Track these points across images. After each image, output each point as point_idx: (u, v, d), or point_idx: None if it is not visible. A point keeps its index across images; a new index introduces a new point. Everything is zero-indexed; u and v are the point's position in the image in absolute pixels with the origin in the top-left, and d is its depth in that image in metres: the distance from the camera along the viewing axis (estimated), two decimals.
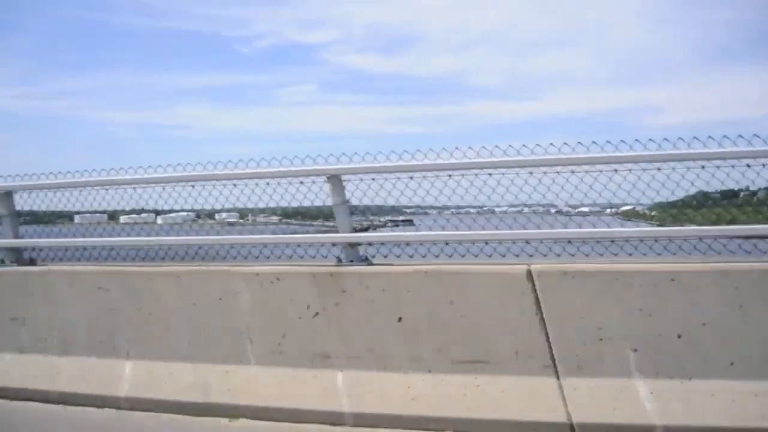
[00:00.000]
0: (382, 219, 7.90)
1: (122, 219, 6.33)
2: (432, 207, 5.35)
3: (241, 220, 6.98)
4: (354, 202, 4.83)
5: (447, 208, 5.23)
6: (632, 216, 5.06)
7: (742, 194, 4.62)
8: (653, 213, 5.08)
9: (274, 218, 7.17)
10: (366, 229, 7.78)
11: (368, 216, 7.64)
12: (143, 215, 6.19)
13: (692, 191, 4.19)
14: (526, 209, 4.83)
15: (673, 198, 4.29)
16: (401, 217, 7.86)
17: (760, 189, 4.30)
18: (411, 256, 4.59)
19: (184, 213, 6.03)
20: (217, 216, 6.49)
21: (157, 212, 6.17)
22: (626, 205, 4.68)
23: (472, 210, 4.95)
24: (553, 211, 4.99)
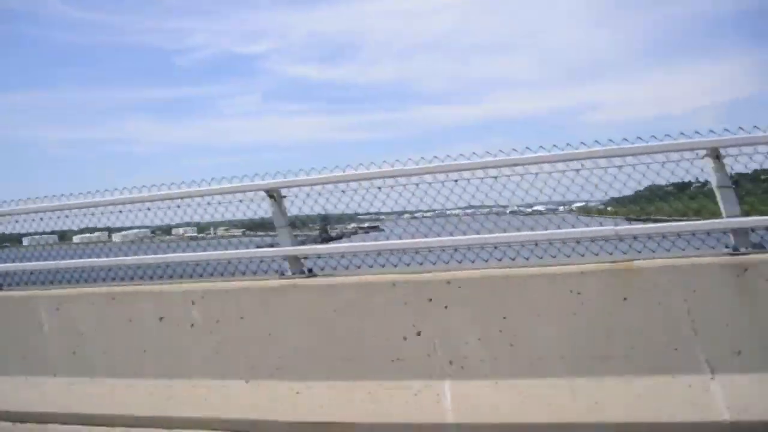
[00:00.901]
0: (349, 226, 7.88)
1: (75, 239, 6.18)
2: (398, 212, 5.37)
3: (200, 234, 6.87)
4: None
5: (407, 212, 5.24)
6: (587, 212, 5.06)
7: (693, 186, 4.66)
8: (608, 208, 5.09)
9: (236, 231, 7.08)
10: (340, 237, 7.77)
11: (332, 225, 7.67)
12: (96, 234, 6.04)
13: (644, 184, 4.20)
14: (478, 212, 4.77)
15: (626, 192, 4.32)
16: (367, 224, 7.87)
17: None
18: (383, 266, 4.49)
19: (138, 230, 5.90)
20: (174, 231, 6.37)
21: (110, 230, 6.02)
22: (579, 202, 4.64)
23: (427, 215, 4.97)
24: (508, 212, 4.93)
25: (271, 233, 7.21)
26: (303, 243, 7.06)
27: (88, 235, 6.07)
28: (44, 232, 5.61)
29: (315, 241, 7.30)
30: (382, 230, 7.07)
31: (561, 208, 4.76)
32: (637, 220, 5.18)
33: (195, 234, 6.64)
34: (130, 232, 5.87)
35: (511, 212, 4.99)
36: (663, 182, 4.14)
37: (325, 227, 7.70)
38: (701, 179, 4.26)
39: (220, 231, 7.02)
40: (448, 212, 4.77)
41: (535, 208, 5.04)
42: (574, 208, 5.03)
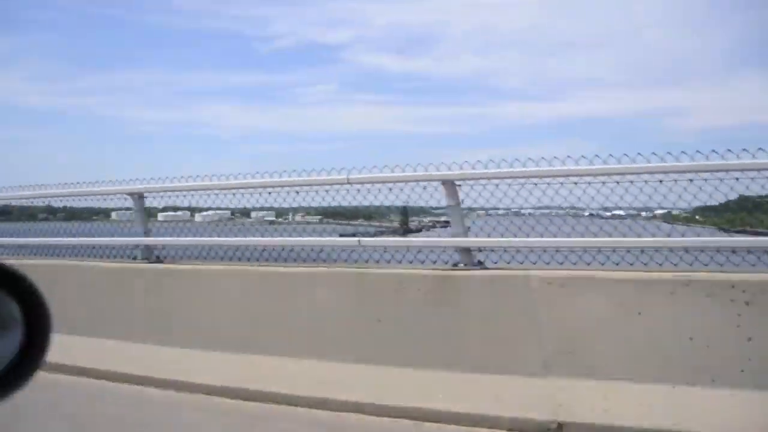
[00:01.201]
0: (425, 220, 7.85)
1: (160, 216, 6.46)
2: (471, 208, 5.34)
3: (279, 219, 7.00)
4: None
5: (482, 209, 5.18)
6: (672, 220, 4.85)
7: None
8: (696, 216, 4.84)
9: (314, 218, 7.18)
10: (419, 230, 7.76)
11: (409, 217, 7.67)
12: (179, 213, 6.29)
13: (731, 196, 3.98)
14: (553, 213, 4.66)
15: (711, 202, 4.14)
16: (443, 218, 7.80)
17: None
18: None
19: (220, 211, 6.09)
20: (253, 215, 6.52)
21: (192, 210, 6.26)
22: (660, 209, 4.42)
23: (500, 213, 4.90)
24: (586, 214, 4.78)
25: (346, 222, 7.37)
26: (383, 233, 7.14)
27: (171, 213, 6.33)
28: (128, 208, 5.89)
29: (396, 233, 7.34)
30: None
31: (643, 214, 4.53)
32: (730, 230, 4.96)
33: (273, 218, 6.76)
34: (208, 213, 6.09)
35: (590, 215, 4.86)
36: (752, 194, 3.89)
37: (406, 220, 7.70)
38: None
39: (298, 217, 7.15)
40: (522, 211, 4.64)
41: (615, 212, 4.82)
42: (656, 215, 4.78)
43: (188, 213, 6.40)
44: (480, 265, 4.35)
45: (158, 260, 5.46)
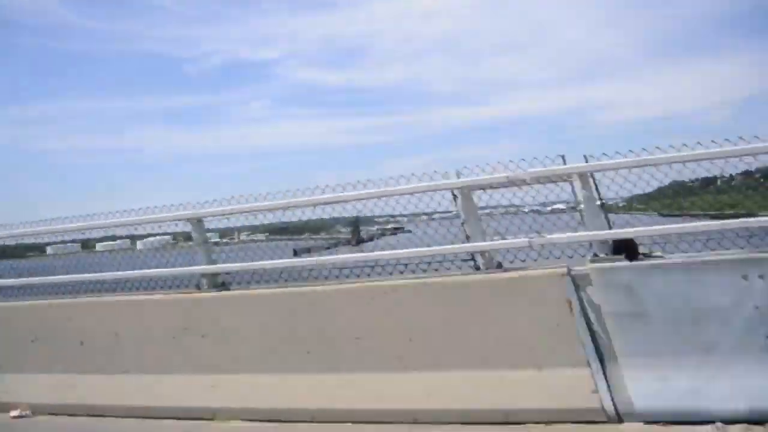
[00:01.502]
0: (371, 229, 7.81)
1: (98, 246, 6.24)
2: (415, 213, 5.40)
3: (224, 239, 6.86)
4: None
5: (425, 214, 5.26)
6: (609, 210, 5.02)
7: (719, 180, 4.59)
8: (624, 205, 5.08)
9: (260, 235, 7.06)
10: (371, 239, 7.73)
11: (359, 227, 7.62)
12: (118, 242, 6.10)
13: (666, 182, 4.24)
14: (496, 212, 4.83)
15: (648, 189, 4.39)
16: (391, 226, 7.78)
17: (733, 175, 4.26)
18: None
19: (160, 237, 5.93)
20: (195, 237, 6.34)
21: (133, 238, 6.06)
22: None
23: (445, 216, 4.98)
24: (526, 211, 4.97)
25: (295, 237, 7.27)
26: (336, 245, 7.10)
27: (110, 243, 6.13)
28: (65, 241, 5.68)
29: (349, 244, 7.30)
30: (409, 231, 6.96)
31: (582, 206, 4.59)
32: (671, 215, 5.11)
33: (218, 239, 6.61)
34: (150, 239, 5.91)
35: (531, 211, 4.95)
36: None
37: (357, 229, 7.66)
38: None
39: (243, 236, 7.03)
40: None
41: (555, 206, 4.95)
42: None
43: (128, 241, 6.20)
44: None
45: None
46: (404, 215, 5.63)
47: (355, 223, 7.37)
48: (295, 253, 5.82)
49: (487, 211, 4.89)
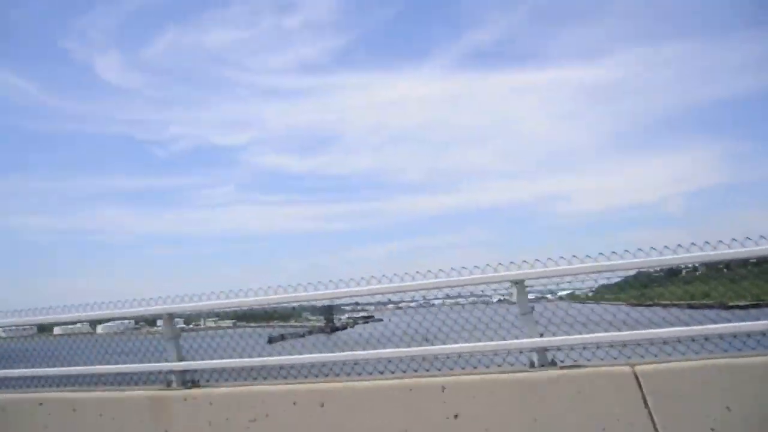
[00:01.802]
0: (342, 317, 7.72)
1: (56, 330, 6.02)
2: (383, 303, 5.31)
3: (189, 325, 6.70)
4: None
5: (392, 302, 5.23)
6: (576, 299, 5.01)
7: (684, 271, 4.69)
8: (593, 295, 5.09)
9: (228, 321, 6.92)
10: (345, 327, 7.61)
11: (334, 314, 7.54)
12: (78, 325, 5.88)
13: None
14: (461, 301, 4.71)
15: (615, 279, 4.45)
16: (362, 314, 7.70)
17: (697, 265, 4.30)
18: None
19: (120, 322, 5.75)
20: (159, 322, 6.17)
21: (92, 322, 5.87)
22: (564, 290, 4.53)
23: (411, 305, 4.91)
24: (494, 300, 4.90)
25: (263, 324, 7.13)
26: (310, 333, 6.97)
27: (70, 326, 5.91)
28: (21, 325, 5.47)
29: (323, 332, 7.17)
30: (380, 320, 6.89)
31: (549, 296, 4.69)
32: (642, 305, 5.16)
33: (183, 325, 6.42)
34: (110, 324, 5.73)
35: (498, 301, 4.90)
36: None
37: (331, 318, 7.55)
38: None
39: (210, 322, 6.88)
40: (432, 302, 4.77)
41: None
42: (563, 296, 4.89)
43: (87, 325, 5.99)
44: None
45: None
46: (371, 303, 5.55)
47: (329, 310, 7.30)
48: (270, 341, 5.62)
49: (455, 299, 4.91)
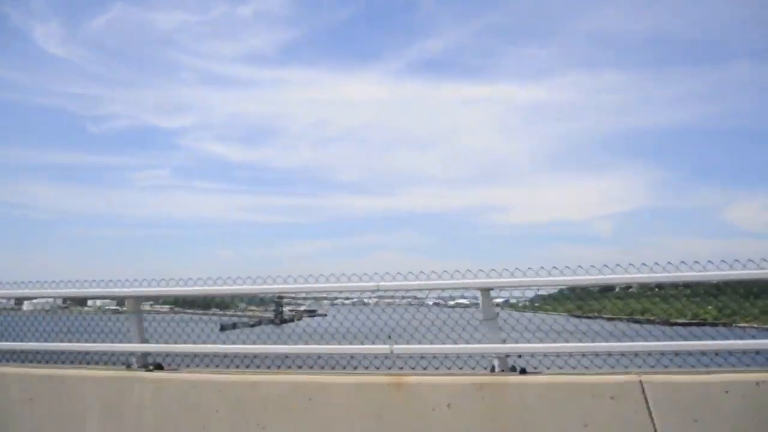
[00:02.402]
0: (286, 309, 7.66)
1: None
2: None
3: (121, 307, 6.41)
4: None
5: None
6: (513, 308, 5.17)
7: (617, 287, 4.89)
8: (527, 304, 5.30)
9: (165, 307, 6.70)
10: (292, 320, 7.54)
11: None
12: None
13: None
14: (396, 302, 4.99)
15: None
16: (303, 308, 7.69)
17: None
18: None
19: (50, 299, 5.43)
20: (90, 302, 5.90)
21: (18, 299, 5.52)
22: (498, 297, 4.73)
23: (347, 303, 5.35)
24: (430, 303, 5.15)
25: (199, 311, 6.94)
26: (260, 323, 6.90)
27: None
28: None
29: (273, 322, 7.11)
30: (324, 314, 6.96)
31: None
32: (585, 317, 5.29)
33: (116, 306, 6.15)
34: (40, 301, 5.40)
35: (434, 304, 5.11)
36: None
37: (281, 310, 7.47)
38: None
39: (146, 306, 6.59)
40: (365, 300, 4.95)
41: (459, 301, 5.10)
42: (499, 304, 5.11)
43: (12, 301, 5.63)
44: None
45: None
46: (328, 299, 5.56)
47: (279, 302, 7.25)
48: (222, 329, 5.56)
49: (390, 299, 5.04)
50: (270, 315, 7.24)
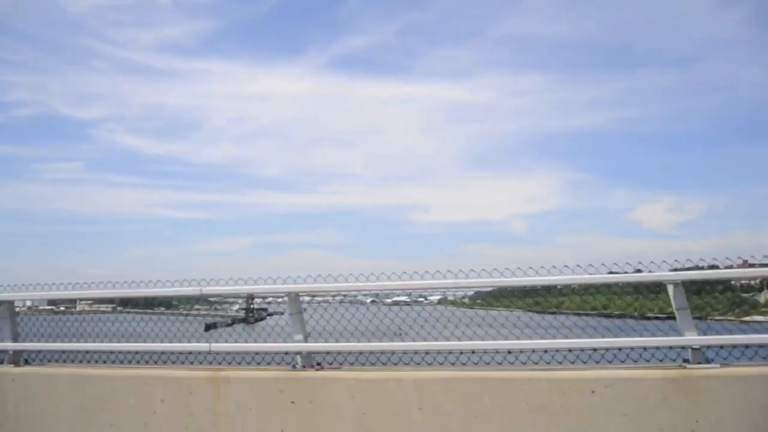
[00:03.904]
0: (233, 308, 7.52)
1: None
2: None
3: (61, 307, 6.12)
4: None
5: None
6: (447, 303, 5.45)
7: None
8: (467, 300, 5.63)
9: (104, 306, 6.42)
10: (262, 319, 7.38)
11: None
12: None
13: None
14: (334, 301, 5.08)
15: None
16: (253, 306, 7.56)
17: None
18: None
19: None
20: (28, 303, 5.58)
21: None
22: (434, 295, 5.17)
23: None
24: (368, 301, 5.32)
25: (142, 311, 6.69)
26: (233, 323, 6.76)
27: None
28: None
29: (246, 321, 7.01)
30: (281, 313, 7.02)
31: (422, 299, 5.05)
32: (546, 313, 5.38)
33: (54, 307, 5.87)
34: None
35: (372, 302, 5.24)
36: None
37: (252, 309, 7.59)
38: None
39: (85, 306, 6.29)
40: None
41: (397, 299, 5.34)
42: (435, 300, 5.37)
43: None
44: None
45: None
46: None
47: (250, 300, 7.13)
48: (207, 329, 5.69)
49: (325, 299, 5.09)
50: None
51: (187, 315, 6.30)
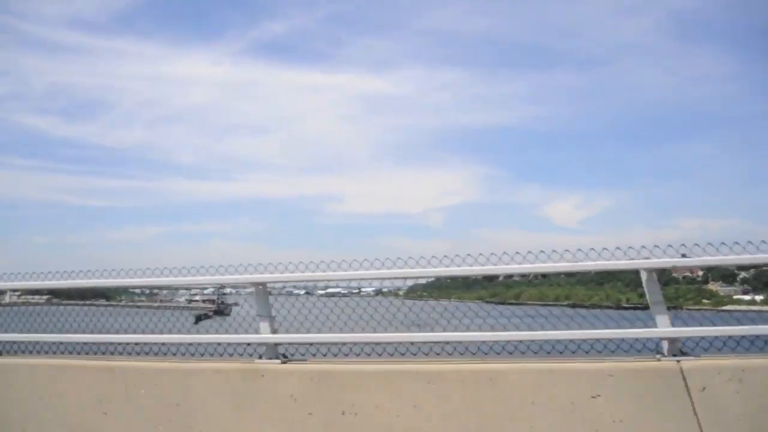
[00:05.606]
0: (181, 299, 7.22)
1: None
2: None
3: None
4: None
5: None
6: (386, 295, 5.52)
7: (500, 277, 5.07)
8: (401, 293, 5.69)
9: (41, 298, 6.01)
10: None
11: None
12: None
13: None
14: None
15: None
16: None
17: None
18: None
19: None
20: None
21: None
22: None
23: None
24: (302, 293, 5.39)
25: (82, 302, 6.30)
26: (207, 316, 6.49)
27: None
28: None
29: (220, 313, 6.76)
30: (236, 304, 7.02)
31: (359, 290, 5.41)
32: (503, 304, 5.48)
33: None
34: None
35: (306, 293, 5.34)
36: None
37: (223, 301, 7.33)
38: None
39: (14, 297, 5.87)
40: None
41: (332, 290, 5.41)
42: (371, 293, 5.41)
43: None
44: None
45: None
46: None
47: (220, 292, 6.94)
48: (196, 321, 5.76)
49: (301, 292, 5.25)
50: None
51: (145, 307, 6.09)
